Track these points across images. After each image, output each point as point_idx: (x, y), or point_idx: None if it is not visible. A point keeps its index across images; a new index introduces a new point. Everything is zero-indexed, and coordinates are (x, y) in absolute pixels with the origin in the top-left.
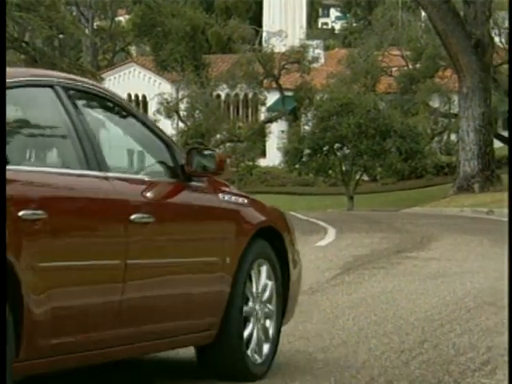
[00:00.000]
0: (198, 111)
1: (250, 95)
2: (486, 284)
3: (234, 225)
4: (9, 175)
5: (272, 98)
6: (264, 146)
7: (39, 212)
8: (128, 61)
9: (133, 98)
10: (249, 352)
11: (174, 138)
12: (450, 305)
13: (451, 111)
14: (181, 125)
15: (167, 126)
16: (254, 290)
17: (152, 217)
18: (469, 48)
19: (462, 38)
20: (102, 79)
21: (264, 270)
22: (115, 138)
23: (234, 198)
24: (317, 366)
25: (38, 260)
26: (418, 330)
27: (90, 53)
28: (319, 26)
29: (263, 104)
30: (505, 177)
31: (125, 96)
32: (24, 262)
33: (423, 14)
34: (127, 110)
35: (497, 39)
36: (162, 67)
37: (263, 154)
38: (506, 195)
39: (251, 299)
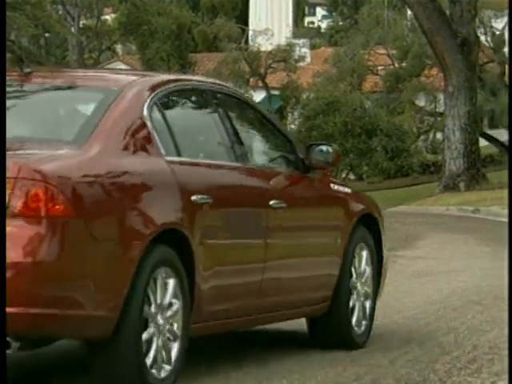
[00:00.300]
0: None
1: None
2: (471, 282)
3: (343, 211)
4: (185, 167)
5: (258, 96)
6: None
7: (206, 197)
8: (114, 59)
9: None
10: (353, 323)
11: None
12: (436, 303)
13: (437, 110)
14: None
15: None
16: (357, 268)
17: (284, 203)
18: (455, 47)
19: (448, 36)
20: None
21: (364, 252)
22: (250, 135)
23: (341, 188)
24: (304, 364)
25: (206, 237)
26: (404, 328)
27: (76, 51)
28: (305, 24)
29: None
30: (490, 175)
31: None
32: (196, 238)
33: (409, 12)
34: (257, 110)
35: (482, 38)
36: (148, 66)
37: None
38: (491, 194)
39: (354, 276)
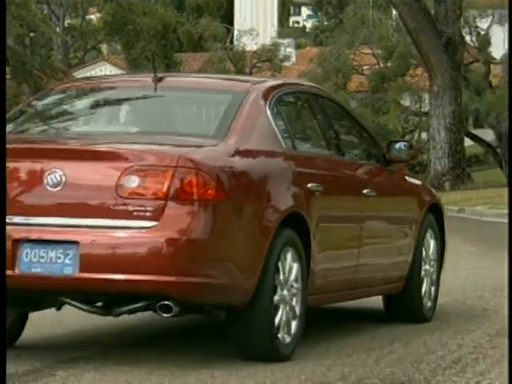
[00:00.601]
0: None
1: None
2: (456, 282)
3: (417, 201)
4: (300, 158)
5: None
6: None
7: (318, 185)
8: (99, 59)
9: None
10: (422, 299)
11: None
12: None
13: (422, 110)
14: None
15: None
16: (426, 251)
17: (374, 192)
18: (439, 47)
19: (433, 36)
20: (73, 77)
21: (431, 237)
22: (343, 132)
23: (413, 180)
24: (287, 364)
25: (319, 221)
26: (389, 328)
27: (61, 51)
28: (290, 24)
29: None
30: (475, 175)
31: None
32: (313, 222)
33: (394, 12)
34: (347, 110)
35: (467, 38)
36: (133, 66)
37: None
38: (476, 193)
39: (424, 258)
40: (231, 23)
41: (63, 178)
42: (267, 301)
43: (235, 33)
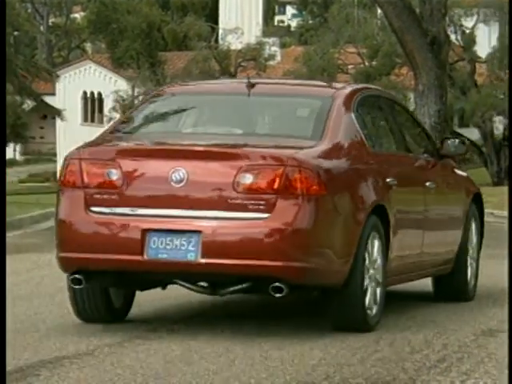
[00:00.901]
0: None
1: None
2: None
3: (465, 191)
4: (380, 156)
5: None
6: None
7: (393, 179)
8: (83, 58)
9: (88, 95)
10: (468, 279)
11: None
12: (406, 302)
13: None
14: None
15: None
16: (470, 236)
17: (434, 184)
18: (425, 45)
19: (418, 35)
20: (58, 76)
21: (474, 224)
22: (408, 130)
23: (460, 172)
24: (272, 363)
25: (395, 211)
26: (374, 327)
27: (45, 50)
28: (275, 23)
29: None
30: None
31: (80, 93)
32: (392, 212)
33: (379, 11)
34: (407, 110)
35: (453, 37)
36: (117, 64)
37: None
38: None
39: (469, 243)
40: (216, 22)
41: (186, 175)
42: (360, 281)
43: (220, 32)
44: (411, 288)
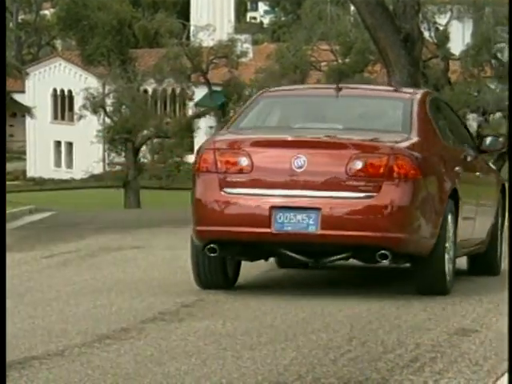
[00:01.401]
0: (124, 106)
1: (178, 90)
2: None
3: (496, 181)
4: (448, 149)
5: (200, 93)
6: (192, 142)
7: (459, 168)
8: (53, 55)
9: (58, 93)
10: (498, 257)
11: (100, 134)
12: (379, 301)
13: None
14: (107, 120)
15: (93, 122)
16: (499, 220)
17: (482, 174)
18: (398, 42)
19: (391, 32)
20: (27, 74)
21: (500, 209)
22: (456, 127)
23: (491, 164)
24: (244, 364)
25: (462, 195)
26: (347, 327)
27: (15, 47)
28: (247, 20)
29: (191, 99)
30: None
31: (50, 91)
32: (460, 194)
33: (352, 8)
34: (454, 111)
35: (426, 34)
36: (88, 62)
37: (191, 150)
38: None
39: (498, 226)
40: (187, 19)
41: (305, 162)
42: (442, 251)
43: (191, 28)
44: (383, 287)
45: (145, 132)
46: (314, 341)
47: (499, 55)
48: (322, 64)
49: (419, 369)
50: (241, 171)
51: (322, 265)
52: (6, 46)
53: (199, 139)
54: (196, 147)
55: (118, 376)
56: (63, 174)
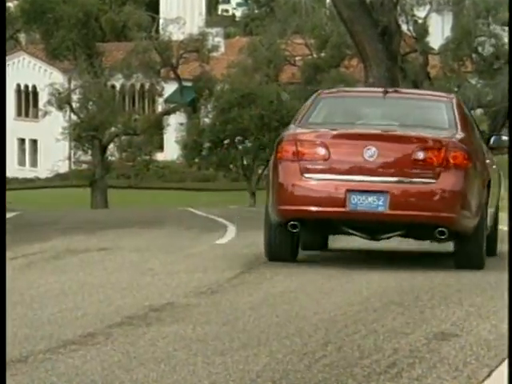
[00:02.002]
0: (91, 103)
1: (147, 86)
2: (392, 283)
3: (498, 173)
4: (481, 144)
5: (170, 88)
6: (161, 139)
7: (490, 160)
8: (17, 49)
9: (22, 88)
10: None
11: (65, 132)
12: (355, 305)
13: None
14: (73, 117)
15: (59, 119)
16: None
17: (495, 167)
18: (375, 36)
19: (368, 25)
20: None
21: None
22: (476, 127)
23: (493, 158)
24: (215, 370)
25: (491, 183)
26: (322, 331)
27: None
28: (219, 12)
29: (160, 95)
30: None
31: (13, 86)
32: (491, 182)
33: (328, 0)
34: (470, 111)
35: (404, 27)
36: (53, 56)
37: (160, 148)
38: None
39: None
40: (157, 11)
41: (375, 152)
42: (483, 229)
43: (161, 21)
44: (360, 290)
45: (112, 129)
46: (287, 346)
47: (480, 49)
48: (297, 58)
49: (397, 375)
50: (319, 159)
51: (379, 239)
52: None
53: (169, 136)
54: (166, 144)
55: (83, 383)
56: (27, 172)
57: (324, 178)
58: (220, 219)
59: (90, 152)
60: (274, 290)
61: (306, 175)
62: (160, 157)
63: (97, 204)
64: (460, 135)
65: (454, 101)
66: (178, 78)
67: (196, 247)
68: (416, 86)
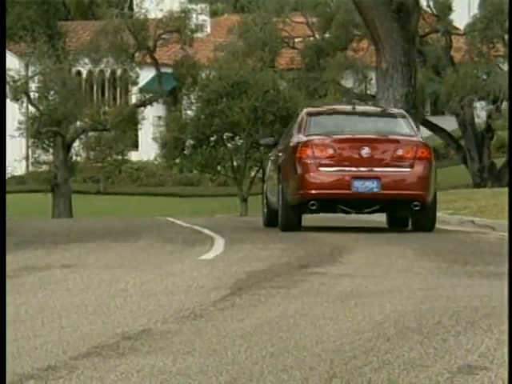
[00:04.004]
0: (52, 92)
1: (119, 72)
2: (409, 306)
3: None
4: None
5: (146, 75)
6: (136, 135)
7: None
8: None
9: None
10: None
11: (22, 127)
12: (366, 332)
13: (368, 92)
14: (31, 109)
15: (14, 112)
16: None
17: None
18: (389, 13)
19: (381, 1)
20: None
21: None
22: None
23: None
24: None
25: None
26: (326, 363)
27: None
28: None
29: (135, 83)
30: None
31: None
32: None
33: None
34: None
35: (423, 3)
36: (7, 37)
37: (135, 146)
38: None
39: None
40: None
41: (369, 151)
42: (436, 202)
43: None
44: (370, 314)
45: (78, 124)
46: (285, 381)
47: None
48: (297, 40)
49: None
50: (330, 157)
51: (364, 213)
52: None
53: (145, 132)
54: (141, 142)
55: None
56: None
57: (334, 170)
58: (206, 230)
59: (51, 151)
60: (270, 314)
61: (321, 169)
62: (134, 156)
63: (59, 212)
64: (420, 138)
65: (404, 113)
66: (155, 64)
67: (177, 264)
68: (437, 72)
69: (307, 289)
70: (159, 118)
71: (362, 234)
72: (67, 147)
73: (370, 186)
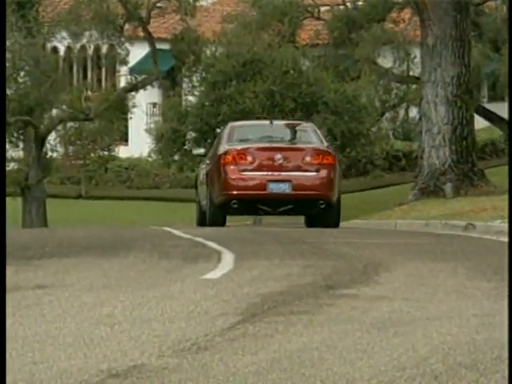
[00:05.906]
0: (23, 73)
1: (104, 49)
2: (461, 337)
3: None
4: None
5: (138, 52)
6: (125, 126)
7: None
8: None
9: None
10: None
11: None
12: (408, 368)
13: (411, 73)
14: None
15: None
16: None
17: None
18: None
19: None
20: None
21: None
22: None
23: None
24: None
25: None
26: None
27: None
28: None
29: (124, 62)
30: (490, 173)
31: None
32: None
33: None
34: None
35: None
36: None
37: (124, 140)
38: (492, 201)
39: None
40: None
41: (281, 157)
42: (339, 201)
43: None
44: (417, 346)
45: (54, 112)
46: None
47: None
48: (323, 9)
49: None
50: (249, 163)
51: (278, 213)
52: None
53: (136, 122)
54: (131, 135)
55: None
56: None
57: (253, 174)
58: (210, 243)
59: (21, 145)
60: (289, 346)
61: (242, 173)
62: (123, 152)
63: (31, 220)
64: (325, 146)
65: (314, 126)
66: (149, 38)
67: (175, 284)
68: (497, 48)
69: (335, 315)
70: (154, 105)
71: (400, 247)
72: (41, 141)
73: (283, 187)
